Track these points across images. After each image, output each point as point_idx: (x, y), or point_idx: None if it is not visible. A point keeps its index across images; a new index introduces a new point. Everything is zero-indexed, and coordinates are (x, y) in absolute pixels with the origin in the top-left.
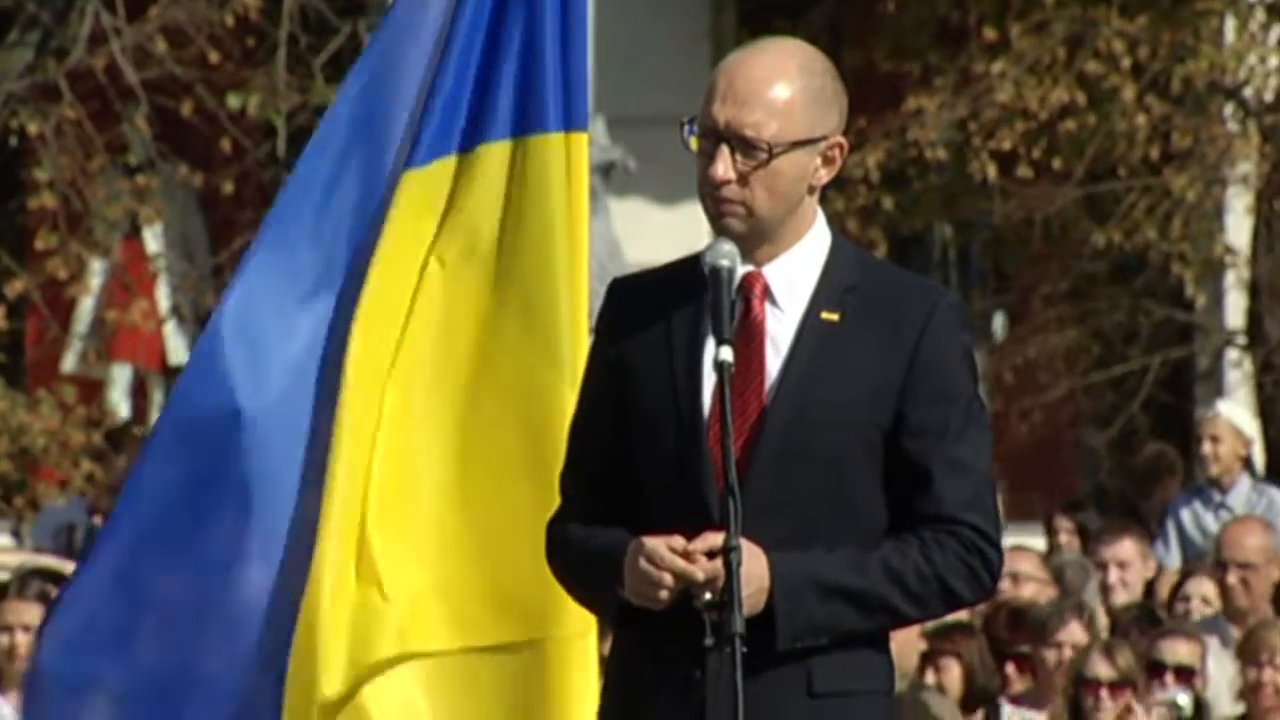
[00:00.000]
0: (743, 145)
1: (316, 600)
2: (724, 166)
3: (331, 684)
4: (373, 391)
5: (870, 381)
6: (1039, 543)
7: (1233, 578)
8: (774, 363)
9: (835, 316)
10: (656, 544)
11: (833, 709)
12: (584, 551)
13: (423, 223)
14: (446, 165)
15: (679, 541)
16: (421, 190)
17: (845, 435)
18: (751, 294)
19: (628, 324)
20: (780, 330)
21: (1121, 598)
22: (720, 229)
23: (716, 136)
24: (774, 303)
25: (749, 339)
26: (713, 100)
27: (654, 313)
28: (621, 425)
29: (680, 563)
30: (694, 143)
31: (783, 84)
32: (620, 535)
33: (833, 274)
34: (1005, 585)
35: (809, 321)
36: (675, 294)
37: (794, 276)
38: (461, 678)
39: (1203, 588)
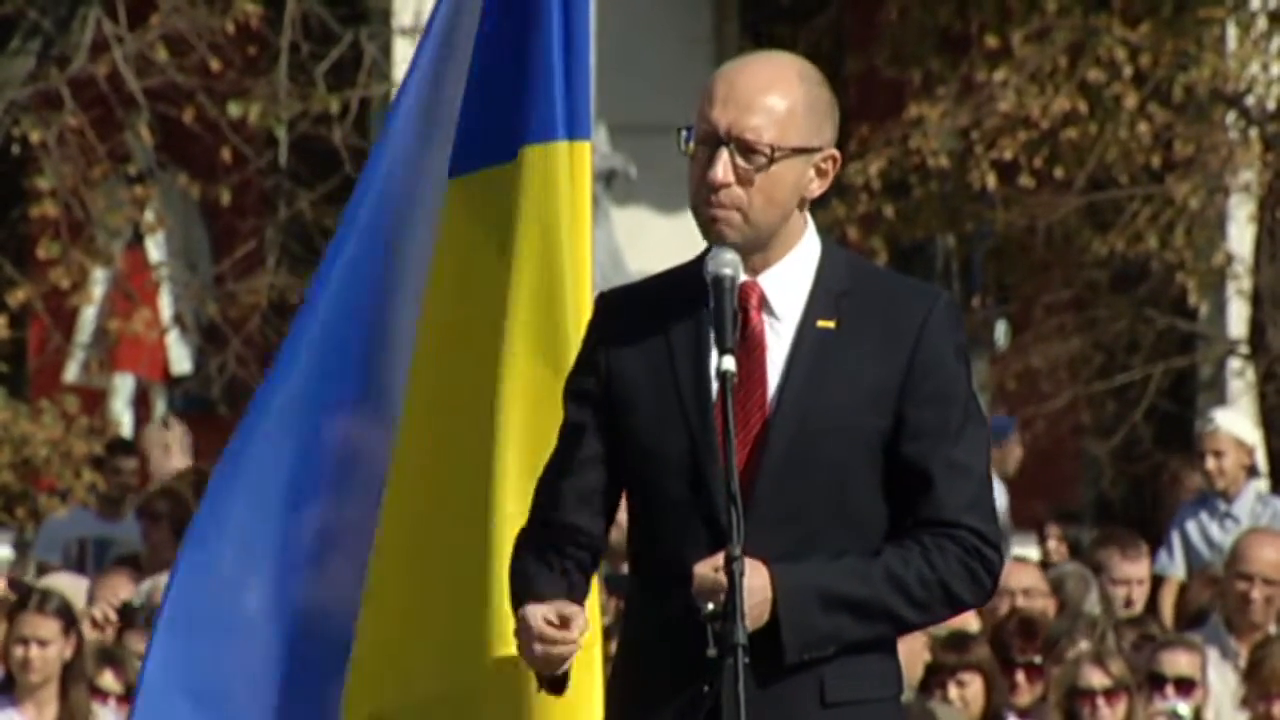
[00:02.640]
0: (743, 149)
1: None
2: (724, 169)
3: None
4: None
5: (870, 386)
6: (1035, 551)
7: (1258, 592)
8: (774, 372)
9: (831, 323)
10: (530, 613)
11: (846, 718)
12: (513, 596)
13: (475, 232)
14: (492, 174)
15: (553, 612)
16: (468, 198)
17: (848, 442)
18: (748, 304)
19: (622, 335)
20: (777, 339)
21: (1132, 610)
22: (714, 239)
23: (716, 141)
24: (770, 312)
25: (749, 349)
26: (712, 106)
27: (650, 324)
28: (609, 437)
29: (544, 630)
30: (690, 149)
31: (783, 91)
32: (536, 592)
33: (825, 280)
34: (1003, 601)
35: (805, 329)
36: (670, 304)
37: (788, 285)
38: (473, 694)
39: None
